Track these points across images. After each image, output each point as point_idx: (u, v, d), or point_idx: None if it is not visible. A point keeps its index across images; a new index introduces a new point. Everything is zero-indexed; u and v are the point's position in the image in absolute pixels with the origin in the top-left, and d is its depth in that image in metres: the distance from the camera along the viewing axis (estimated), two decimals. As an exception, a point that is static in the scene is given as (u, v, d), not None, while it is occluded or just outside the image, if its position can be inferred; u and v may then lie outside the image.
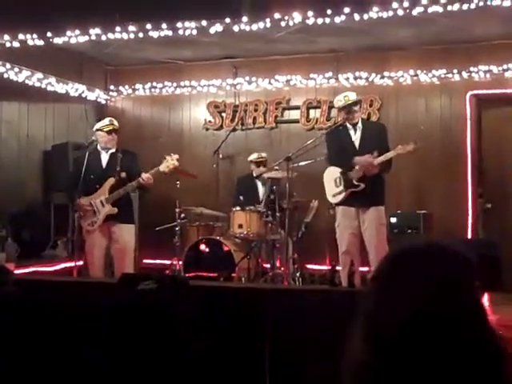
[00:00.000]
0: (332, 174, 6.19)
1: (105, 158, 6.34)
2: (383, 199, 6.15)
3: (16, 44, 6.88)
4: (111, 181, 6.24)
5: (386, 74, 8.26)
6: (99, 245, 6.22)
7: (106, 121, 6.46)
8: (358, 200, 6.01)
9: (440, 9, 5.95)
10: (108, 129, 6.32)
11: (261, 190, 7.61)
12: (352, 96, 6.24)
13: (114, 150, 6.35)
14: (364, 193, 5.96)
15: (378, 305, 1.20)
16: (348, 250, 6.05)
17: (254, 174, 7.65)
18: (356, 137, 6.17)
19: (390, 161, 6.05)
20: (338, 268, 5.75)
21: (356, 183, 5.98)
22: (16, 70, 7.82)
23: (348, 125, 6.22)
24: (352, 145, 6.15)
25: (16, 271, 6.20)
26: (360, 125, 6.21)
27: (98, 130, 6.36)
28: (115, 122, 6.45)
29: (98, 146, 6.33)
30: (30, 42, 6.82)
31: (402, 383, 1.13)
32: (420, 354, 1.12)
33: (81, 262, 6.55)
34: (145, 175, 6.18)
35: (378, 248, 5.88)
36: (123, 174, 6.23)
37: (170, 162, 6.20)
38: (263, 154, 7.81)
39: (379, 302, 1.20)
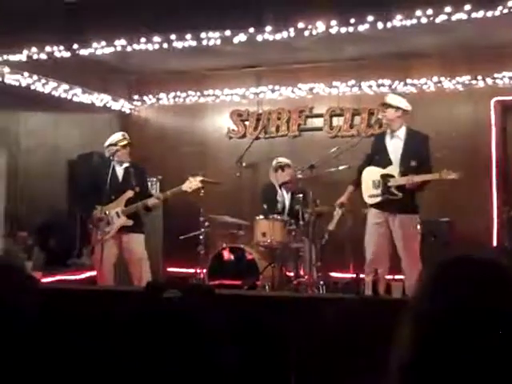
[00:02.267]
0: (372, 175, 6.04)
1: (120, 171, 6.41)
2: (416, 207, 6.02)
3: (43, 56, 6.98)
4: (129, 193, 6.31)
5: (409, 81, 8.24)
6: (110, 254, 6.27)
7: (119, 135, 6.49)
8: (390, 206, 5.89)
9: (464, 16, 5.92)
10: (123, 143, 6.38)
11: (286, 197, 7.58)
12: (388, 98, 6.17)
13: (127, 164, 6.42)
14: (398, 199, 5.84)
15: (431, 306, 1.23)
16: (373, 257, 5.92)
17: (275, 182, 7.60)
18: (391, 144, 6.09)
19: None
20: (362, 276, 5.74)
21: (395, 191, 5.85)
22: (43, 81, 7.94)
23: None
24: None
25: (42, 279, 6.28)
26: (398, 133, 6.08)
27: (112, 145, 6.40)
28: (127, 135, 6.53)
29: (113, 160, 6.37)
30: (57, 54, 6.91)
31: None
32: (465, 353, 1.15)
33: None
34: (151, 201, 6.34)
35: (409, 257, 5.76)
36: (137, 189, 6.33)
37: (194, 183, 6.29)
38: (280, 159, 7.70)
39: (432, 303, 1.23)
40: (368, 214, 6.09)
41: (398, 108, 6.00)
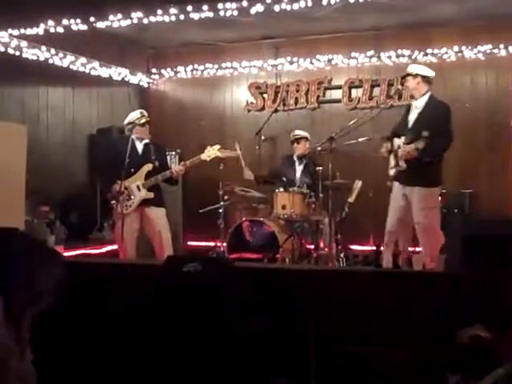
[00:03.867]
0: (393, 146, 5.85)
1: (140, 146, 6.42)
2: (433, 180, 5.73)
3: (60, 29, 6.97)
4: (149, 166, 6.32)
5: (429, 51, 8.13)
6: (132, 228, 6.27)
7: (137, 113, 6.47)
8: (405, 179, 5.71)
9: (485, -17, 5.80)
10: (142, 122, 6.38)
11: (298, 169, 7.63)
12: (408, 68, 5.99)
13: (147, 141, 6.43)
14: (411, 171, 5.62)
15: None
16: (391, 230, 5.79)
17: (295, 154, 7.68)
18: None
19: (428, 148, 5.51)
20: (382, 248, 5.71)
21: (400, 163, 5.67)
22: (60, 55, 7.94)
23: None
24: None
25: (64, 253, 6.35)
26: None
27: (130, 123, 6.40)
28: (145, 113, 6.51)
29: (133, 136, 6.38)
30: (74, 27, 6.90)
31: None
32: None
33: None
34: (177, 167, 6.41)
35: (424, 232, 5.60)
36: (156, 163, 6.35)
37: (212, 152, 6.36)
38: (296, 132, 7.75)
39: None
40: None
41: (416, 75, 5.82)
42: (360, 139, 7.09)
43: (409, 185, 5.71)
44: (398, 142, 5.78)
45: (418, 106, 5.84)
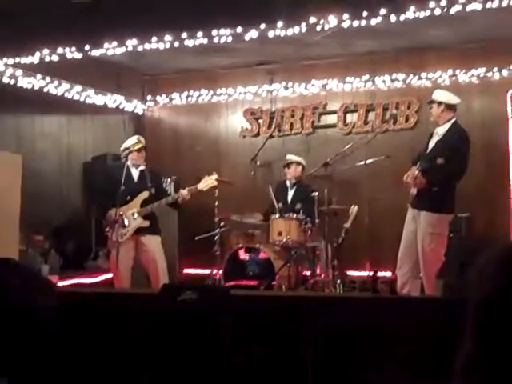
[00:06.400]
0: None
1: (135, 172, 6.39)
2: (442, 206, 5.60)
3: (55, 57, 6.97)
4: (145, 194, 6.28)
5: (423, 75, 8.14)
6: (127, 257, 6.21)
7: (134, 139, 6.47)
8: (415, 202, 5.64)
9: (479, 6, 5.80)
10: (137, 147, 6.35)
11: (290, 194, 7.66)
12: (433, 94, 5.93)
13: (143, 167, 6.40)
14: (421, 195, 5.56)
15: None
16: (401, 254, 5.71)
17: (287, 179, 7.75)
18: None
19: (436, 176, 5.54)
20: (379, 274, 5.65)
21: (411, 189, 5.62)
22: (55, 83, 7.95)
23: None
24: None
25: (59, 283, 6.28)
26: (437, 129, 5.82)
27: (126, 148, 6.37)
28: (142, 139, 6.49)
29: (128, 162, 6.35)
30: (69, 56, 6.91)
31: None
32: None
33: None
34: (183, 192, 6.28)
35: (426, 258, 5.50)
36: (153, 191, 6.29)
37: (209, 181, 6.32)
38: (288, 157, 7.83)
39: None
40: None
41: (440, 103, 5.77)
42: (356, 164, 7.09)
43: (417, 208, 5.65)
44: (414, 168, 5.68)
45: (439, 132, 5.77)
